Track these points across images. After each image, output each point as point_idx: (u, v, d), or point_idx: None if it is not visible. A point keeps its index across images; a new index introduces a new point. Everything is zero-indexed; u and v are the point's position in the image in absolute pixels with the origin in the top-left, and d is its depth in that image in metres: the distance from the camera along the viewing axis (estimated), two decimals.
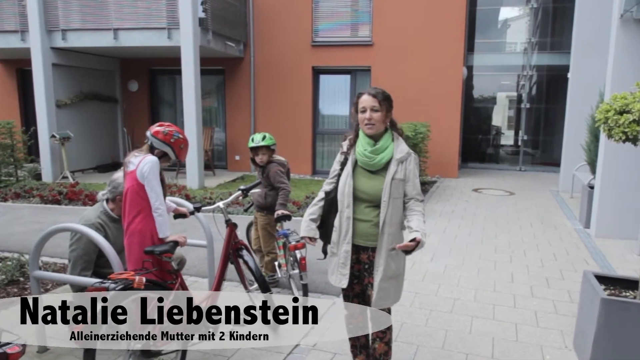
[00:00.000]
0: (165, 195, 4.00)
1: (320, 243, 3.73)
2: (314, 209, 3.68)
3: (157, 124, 4.02)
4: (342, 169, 3.60)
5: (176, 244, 3.88)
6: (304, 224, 3.65)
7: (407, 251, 3.33)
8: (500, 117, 18.87)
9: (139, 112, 16.32)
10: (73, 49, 13.73)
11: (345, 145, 3.67)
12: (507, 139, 18.84)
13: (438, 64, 13.79)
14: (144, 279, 3.43)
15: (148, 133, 3.97)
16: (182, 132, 4.05)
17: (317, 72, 14.93)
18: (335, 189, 3.60)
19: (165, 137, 3.93)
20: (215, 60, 14.99)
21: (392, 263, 3.48)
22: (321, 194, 3.71)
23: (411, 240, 3.28)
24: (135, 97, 16.37)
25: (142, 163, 3.81)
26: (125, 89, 16.38)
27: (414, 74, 13.95)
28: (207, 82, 15.40)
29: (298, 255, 5.24)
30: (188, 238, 4.24)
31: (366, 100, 3.46)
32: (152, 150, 3.95)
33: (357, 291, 3.68)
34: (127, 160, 3.95)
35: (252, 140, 5.69)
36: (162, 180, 3.93)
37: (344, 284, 3.56)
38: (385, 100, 3.48)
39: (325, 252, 3.73)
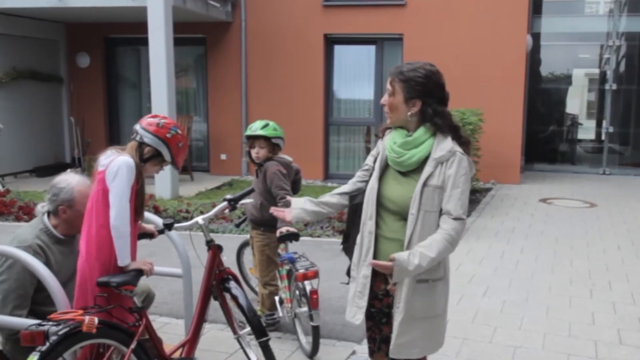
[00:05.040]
0: (141, 213, 4.03)
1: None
2: (325, 196, 3.80)
3: (149, 115, 4.10)
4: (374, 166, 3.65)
5: (140, 273, 3.89)
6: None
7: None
8: (577, 102, 18.81)
9: (91, 95, 16.40)
10: (2, 10, 13.78)
11: (382, 129, 3.74)
12: (587, 131, 18.76)
13: (493, 30, 13.76)
14: (95, 320, 3.42)
15: (138, 126, 4.05)
16: (181, 128, 4.10)
17: (331, 41, 14.95)
18: (363, 192, 3.63)
19: (160, 130, 3.97)
20: (194, 25, 15.04)
21: (420, 298, 3.45)
22: (344, 188, 3.79)
23: (384, 264, 3.30)
24: (86, 76, 16.43)
25: (112, 163, 3.84)
26: (73, 64, 16.45)
27: (460, 45, 13.92)
28: (182, 55, 15.46)
29: (308, 288, 5.21)
30: (158, 265, 4.24)
31: (388, 80, 3.54)
32: (141, 148, 3.98)
33: (387, 334, 3.67)
34: (97, 160, 4.03)
35: (250, 127, 5.76)
36: (139, 192, 3.94)
37: (359, 319, 3.58)
38: (405, 82, 3.42)
39: (350, 274, 3.76)
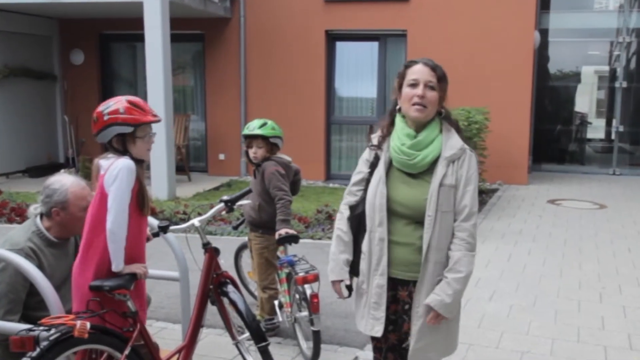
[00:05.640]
0: (146, 209, 4.00)
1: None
2: (347, 241, 3.67)
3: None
4: (371, 172, 3.58)
5: (134, 276, 3.87)
6: (334, 263, 3.65)
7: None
8: (586, 100, 18.77)
9: (85, 93, 16.35)
10: None
11: (376, 137, 3.64)
12: (596, 131, 18.73)
13: (500, 27, 13.74)
14: (87, 325, 3.40)
15: (96, 137, 3.99)
16: (113, 99, 4.00)
17: (333, 38, 14.95)
18: (363, 200, 3.58)
19: (100, 122, 3.90)
20: (192, 21, 15.04)
21: None
22: (344, 212, 3.69)
23: (432, 316, 3.43)
24: (80, 73, 16.44)
25: (112, 166, 3.83)
26: (67, 61, 16.46)
27: (466, 42, 13.92)
28: (180, 52, 15.49)
29: (308, 292, 5.19)
30: (154, 268, 4.23)
31: (421, 71, 3.44)
32: (112, 146, 3.96)
33: (393, 342, 3.67)
34: (97, 163, 4.01)
35: (248, 126, 5.74)
36: (139, 192, 3.92)
37: (378, 331, 3.55)
38: (444, 79, 3.47)
39: (350, 287, 3.71)
